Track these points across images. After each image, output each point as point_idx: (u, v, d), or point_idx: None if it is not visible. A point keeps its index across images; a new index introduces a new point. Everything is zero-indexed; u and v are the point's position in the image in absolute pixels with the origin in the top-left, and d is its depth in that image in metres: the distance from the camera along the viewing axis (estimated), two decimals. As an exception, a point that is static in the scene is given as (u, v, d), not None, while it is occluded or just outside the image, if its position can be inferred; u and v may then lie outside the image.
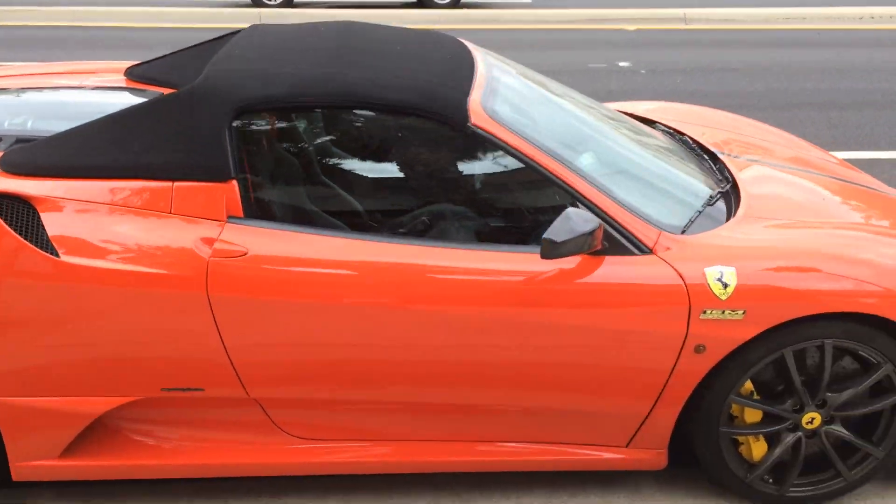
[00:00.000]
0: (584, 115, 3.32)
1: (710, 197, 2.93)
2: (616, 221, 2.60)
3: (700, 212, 2.82)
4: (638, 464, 2.80)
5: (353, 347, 2.56)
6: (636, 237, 2.60)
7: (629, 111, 3.98)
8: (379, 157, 2.82)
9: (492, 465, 2.81)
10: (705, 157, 3.37)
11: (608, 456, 2.78)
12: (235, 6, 13.33)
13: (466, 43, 3.29)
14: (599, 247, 2.51)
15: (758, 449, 2.78)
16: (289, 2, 13.32)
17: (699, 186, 3.03)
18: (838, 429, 2.75)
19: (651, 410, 2.67)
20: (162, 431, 2.69)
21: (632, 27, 12.20)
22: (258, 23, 3.38)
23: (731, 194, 3.02)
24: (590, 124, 3.26)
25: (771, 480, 2.81)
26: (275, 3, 13.20)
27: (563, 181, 2.61)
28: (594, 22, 12.54)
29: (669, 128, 3.75)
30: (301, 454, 2.73)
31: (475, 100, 2.68)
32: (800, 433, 2.74)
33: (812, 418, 2.72)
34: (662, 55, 10.05)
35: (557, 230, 2.39)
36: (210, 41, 3.37)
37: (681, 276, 2.55)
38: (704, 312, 2.54)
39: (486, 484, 2.92)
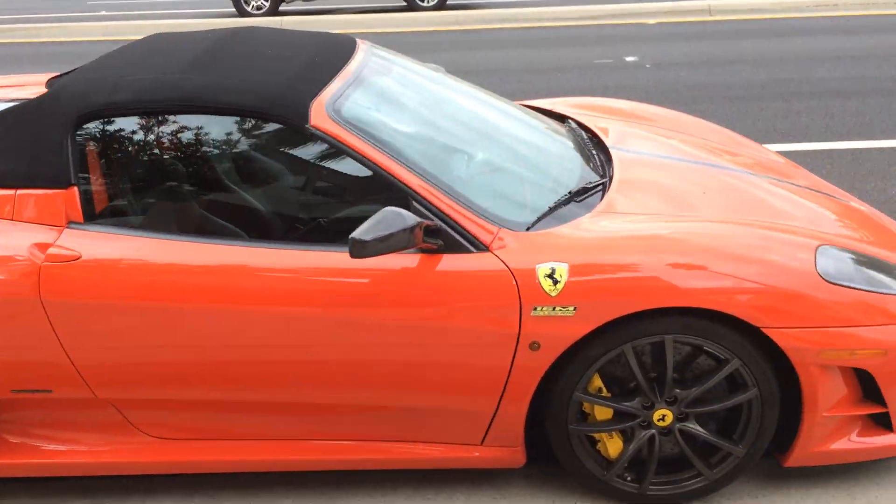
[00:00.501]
0: (468, 114, 3.32)
1: (571, 193, 2.89)
2: (452, 219, 2.60)
3: (552, 208, 2.79)
4: (495, 462, 2.78)
5: (189, 348, 2.61)
6: (472, 235, 2.59)
7: (548, 108, 3.97)
8: (230, 161, 2.87)
9: (353, 464, 2.82)
10: (594, 152, 3.32)
11: (465, 454, 2.77)
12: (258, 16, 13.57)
13: (361, 44, 3.33)
14: (421, 245, 2.51)
15: (613, 446, 2.74)
16: (274, 11, 13.45)
17: (569, 182, 2.99)
18: (692, 426, 2.69)
19: (498, 408, 2.66)
20: (26, 431, 2.79)
21: (652, 21, 12.02)
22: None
23: (607, 189, 2.99)
24: (469, 123, 3.26)
25: (630, 479, 2.77)
26: (260, 12, 13.37)
27: (400, 180, 2.61)
28: (615, 17, 12.40)
29: (578, 123, 3.71)
30: (161, 453, 2.79)
31: (321, 102, 2.70)
32: (653, 430, 2.69)
33: (663, 415, 2.67)
34: (674, 49, 9.88)
35: (366, 229, 2.40)
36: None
37: (512, 274, 2.54)
38: (535, 309, 2.52)
39: (352, 483, 2.94)
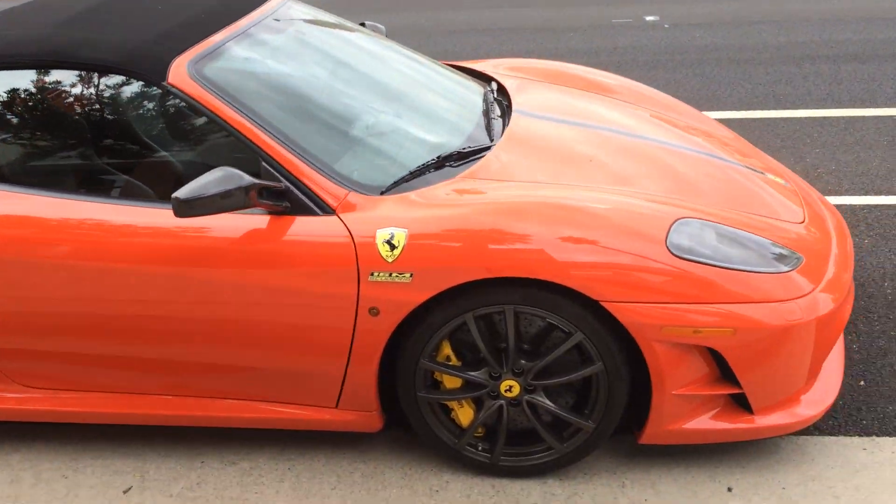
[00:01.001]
0: (366, 76, 3.29)
1: (439, 157, 2.84)
2: (301, 182, 2.59)
3: (413, 172, 2.75)
4: (351, 425, 2.79)
5: (44, 301, 2.68)
6: (320, 198, 2.58)
7: (480, 69, 3.90)
8: (100, 118, 2.89)
9: (219, 421, 2.86)
10: (493, 117, 3.25)
11: (321, 416, 2.78)
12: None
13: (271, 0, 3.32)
14: (257, 206, 2.50)
15: (464, 415, 2.72)
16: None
17: (453, 146, 2.94)
18: (540, 399, 2.65)
19: (346, 371, 2.66)
20: None
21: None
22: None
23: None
24: (363, 85, 3.23)
25: (483, 448, 2.75)
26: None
27: (252, 141, 2.61)
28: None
29: (498, 84, 3.63)
30: (31, 402, 2.87)
31: (184, 59, 2.70)
32: (501, 401, 2.66)
33: (510, 386, 2.63)
34: (700, 8, 9.53)
35: (190, 189, 2.40)
36: None
37: (352, 238, 2.52)
38: (373, 275, 2.50)
39: (221, 440, 2.98)
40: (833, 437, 2.85)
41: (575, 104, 3.55)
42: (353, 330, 2.57)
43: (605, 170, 2.94)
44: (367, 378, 2.66)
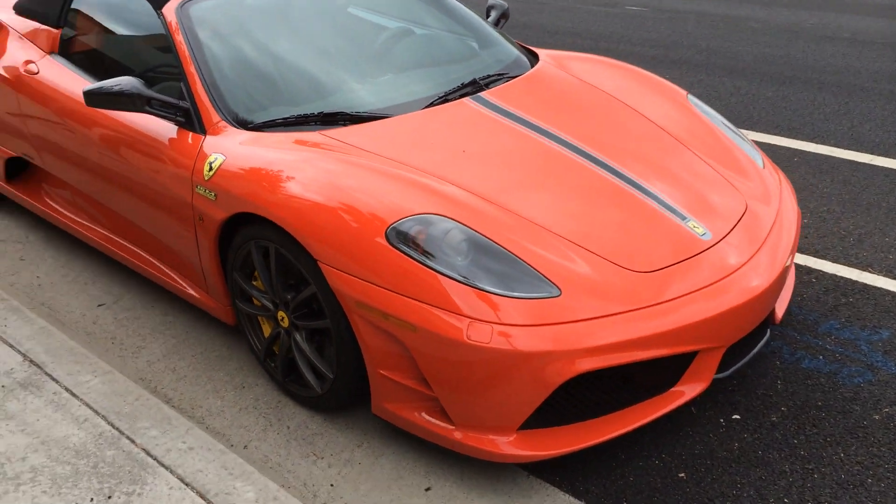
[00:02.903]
0: (359, 26, 3.79)
1: (323, 113, 3.16)
2: (196, 104, 3.19)
3: (288, 119, 3.15)
4: (214, 311, 3.34)
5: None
6: (203, 119, 3.17)
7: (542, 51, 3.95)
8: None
9: (131, 265, 3.66)
10: (451, 98, 3.36)
11: (198, 295, 3.38)
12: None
13: None
14: (148, 112, 3.13)
15: (265, 331, 3.13)
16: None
17: (356, 107, 3.23)
18: (300, 336, 2.93)
19: (201, 261, 3.23)
20: None
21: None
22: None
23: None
24: (352, 37, 3.66)
25: (276, 366, 3.11)
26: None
27: (184, 70, 3.26)
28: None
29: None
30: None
31: (175, 2, 3.45)
32: (281, 329, 3.01)
33: (282, 317, 2.97)
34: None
35: (96, 85, 3.12)
36: None
37: (198, 153, 3.07)
38: (197, 187, 3.04)
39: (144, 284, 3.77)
40: (567, 496, 2.66)
41: (557, 110, 3.40)
42: (195, 231, 3.14)
43: (466, 164, 2.96)
44: (213, 272, 3.19)
